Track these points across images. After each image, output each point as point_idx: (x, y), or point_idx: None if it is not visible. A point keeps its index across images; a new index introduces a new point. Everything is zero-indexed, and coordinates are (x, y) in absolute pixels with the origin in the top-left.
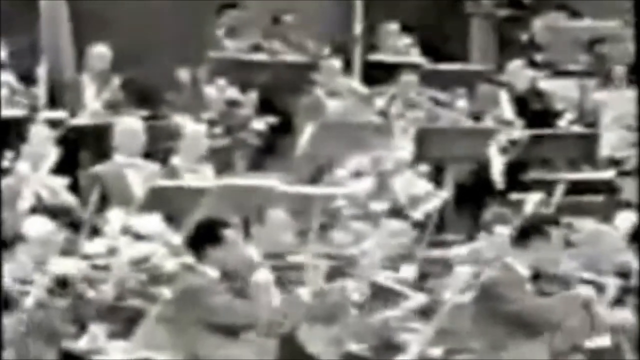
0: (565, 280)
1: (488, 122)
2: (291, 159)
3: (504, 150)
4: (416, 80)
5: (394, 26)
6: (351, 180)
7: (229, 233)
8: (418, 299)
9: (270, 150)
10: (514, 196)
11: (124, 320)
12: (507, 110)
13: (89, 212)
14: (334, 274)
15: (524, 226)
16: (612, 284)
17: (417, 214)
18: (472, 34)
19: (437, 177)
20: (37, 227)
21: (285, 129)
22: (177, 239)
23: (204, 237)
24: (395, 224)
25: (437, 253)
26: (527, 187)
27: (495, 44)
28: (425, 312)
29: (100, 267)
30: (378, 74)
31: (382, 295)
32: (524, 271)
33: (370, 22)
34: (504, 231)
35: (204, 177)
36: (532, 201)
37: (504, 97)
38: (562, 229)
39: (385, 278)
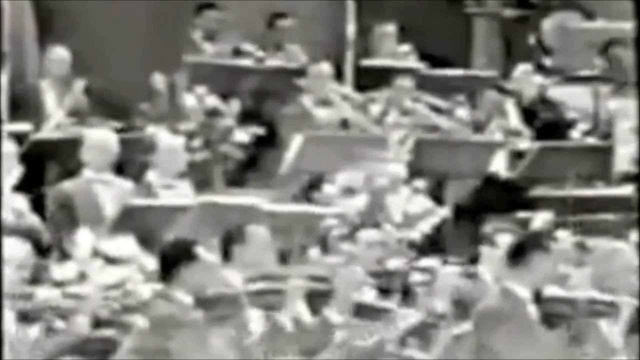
0: (574, 302)
1: (492, 132)
2: (276, 174)
3: (510, 165)
4: (412, 85)
5: (390, 28)
6: (342, 198)
7: (204, 254)
8: (411, 316)
9: (253, 164)
10: (521, 214)
11: (95, 353)
12: (514, 119)
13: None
14: (315, 298)
15: (521, 242)
16: (626, 305)
17: (414, 233)
18: (474, 37)
19: (436, 193)
20: (13, 250)
21: (271, 141)
22: (152, 263)
23: (178, 259)
24: (373, 234)
25: (424, 263)
26: (534, 204)
27: (500, 47)
28: (421, 329)
29: (71, 295)
30: (370, 80)
31: (368, 315)
32: (525, 293)
33: (364, 24)
34: (507, 241)
35: (182, 195)
36: (540, 220)
37: (510, 105)
38: (564, 243)
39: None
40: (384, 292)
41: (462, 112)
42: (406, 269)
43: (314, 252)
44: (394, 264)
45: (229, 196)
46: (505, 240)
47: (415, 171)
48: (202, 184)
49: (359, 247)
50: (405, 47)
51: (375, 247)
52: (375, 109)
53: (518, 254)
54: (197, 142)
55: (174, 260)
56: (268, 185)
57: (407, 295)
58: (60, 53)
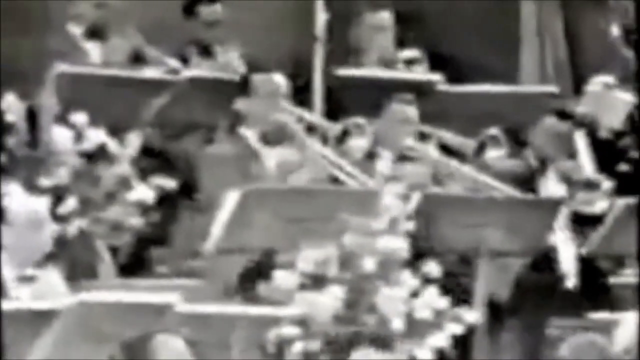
0: None
1: (550, 186)
2: (199, 253)
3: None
4: (416, 113)
5: (384, 17)
6: (305, 291)
7: None
8: None
9: (161, 237)
10: (597, 315)
11: None
12: (587, 162)
13: None
14: None
15: None
16: None
17: (423, 352)
18: (522, 30)
19: (456, 283)
20: None
21: (188, 199)
22: None
23: None
24: None
25: None
26: (619, 298)
27: (563, 46)
28: None
29: None
30: (351, 102)
31: None
32: None
33: (342, 11)
34: None
35: (48, 291)
36: (630, 323)
37: (581, 140)
38: None
39: None
40: None
41: (498, 153)
42: None
43: None
44: None
45: (122, 291)
46: None
47: (423, 248)
48: (79, 272)
49: None
50: (412, 52)
51: None
52: (358, 146)
53: None
54: (71, 204)
55: None
56: (185, 271)
57: None
58: None
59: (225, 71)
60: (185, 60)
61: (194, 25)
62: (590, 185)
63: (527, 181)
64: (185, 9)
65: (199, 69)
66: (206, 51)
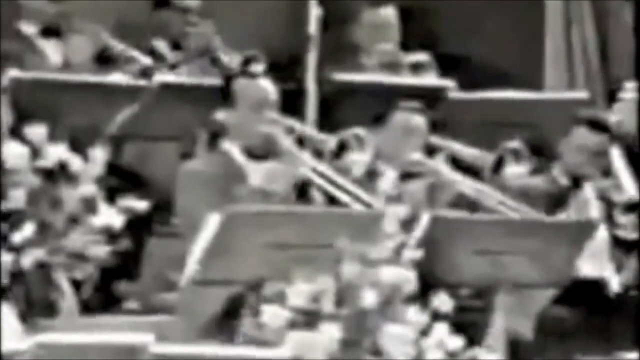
0: None
1: (585, 207)
2: (175, 285)
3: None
4: (424, 123)
5: (388, 13)
6: (297, 329)
7: None
8: None
9: (131, 269)
10: (629, 355)
11: None
12: (626, 180)
13: None
14: None
15: None
16: None
17: None
18: (546, 27)
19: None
20: None
21: (162, 223)
22: None
23: None
24: None
25: None
26: None
27: (595, 44)
28: None
29: None
30: (349, 111)
31: None
32: None
33: (338, 8)
34: None
35: (7, 331)
36: None
37: (617, 155)
38: None
39: None
40: None
41: (519, 169)
42: None
43: None
44: None
45: (87, 331)
46: None
47: (432, 281)
48: (37, 309)
49: None
50: (420, 56)
51: None
52: (357, 162)
53: None
54: (27, 231)
55: None
56: (159, 306)
57: None
58: None
59: (202, 45)
60: (158, 58)
61: (163, 15)
62: (634, 208)
63: (554, 201)
64: (158, 1)
65: (175, 60)
66: (177, 46)
